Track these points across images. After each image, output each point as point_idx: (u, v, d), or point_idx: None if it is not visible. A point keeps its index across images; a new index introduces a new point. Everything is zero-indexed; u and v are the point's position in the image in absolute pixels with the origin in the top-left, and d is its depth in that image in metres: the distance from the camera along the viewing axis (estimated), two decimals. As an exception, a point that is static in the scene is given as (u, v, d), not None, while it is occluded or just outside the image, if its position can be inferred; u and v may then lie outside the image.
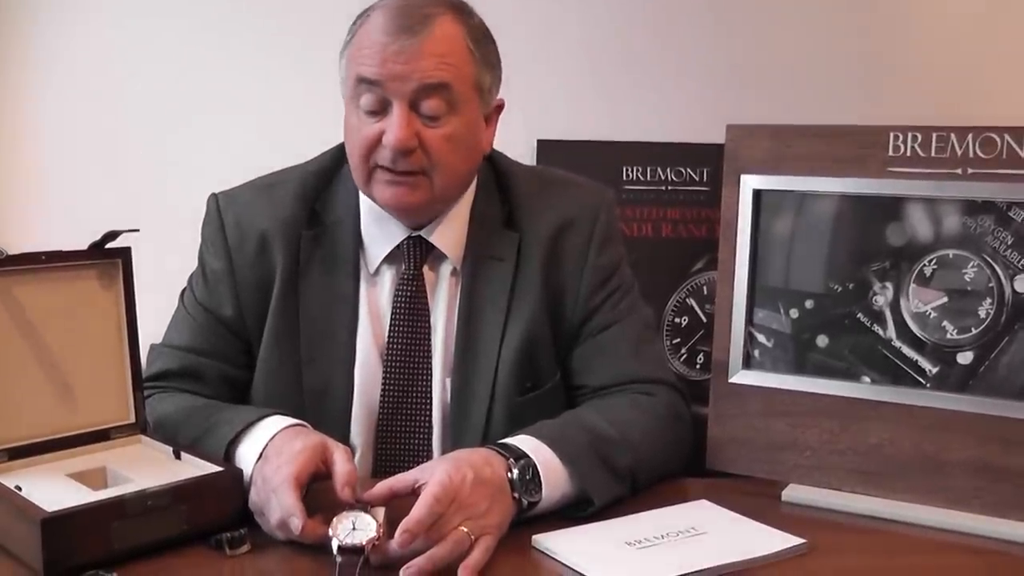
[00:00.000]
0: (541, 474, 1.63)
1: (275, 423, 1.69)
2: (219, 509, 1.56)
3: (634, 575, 1.47)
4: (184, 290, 2.01)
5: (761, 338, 1.86)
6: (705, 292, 3.06)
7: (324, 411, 1.88)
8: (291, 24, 3.08)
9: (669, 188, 3.09)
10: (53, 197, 3.15)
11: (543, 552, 1.56)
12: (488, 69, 1.88)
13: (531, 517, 1.63)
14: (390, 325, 1.92)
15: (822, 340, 1.82)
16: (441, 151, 1.81)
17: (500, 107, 1.95)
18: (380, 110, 1.81)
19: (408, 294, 1.92)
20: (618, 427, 1.78)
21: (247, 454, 1.66)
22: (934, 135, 1.72)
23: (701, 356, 3.06)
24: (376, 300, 1.94)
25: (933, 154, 1.72)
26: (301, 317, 1.91)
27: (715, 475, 1.89)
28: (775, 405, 1.84)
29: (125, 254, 1.70)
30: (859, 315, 1.79)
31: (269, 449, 1.63)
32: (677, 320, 3.09)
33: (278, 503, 1.52)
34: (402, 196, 1.83)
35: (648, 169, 3.09)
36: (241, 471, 1.62)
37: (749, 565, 1.53)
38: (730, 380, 1.88)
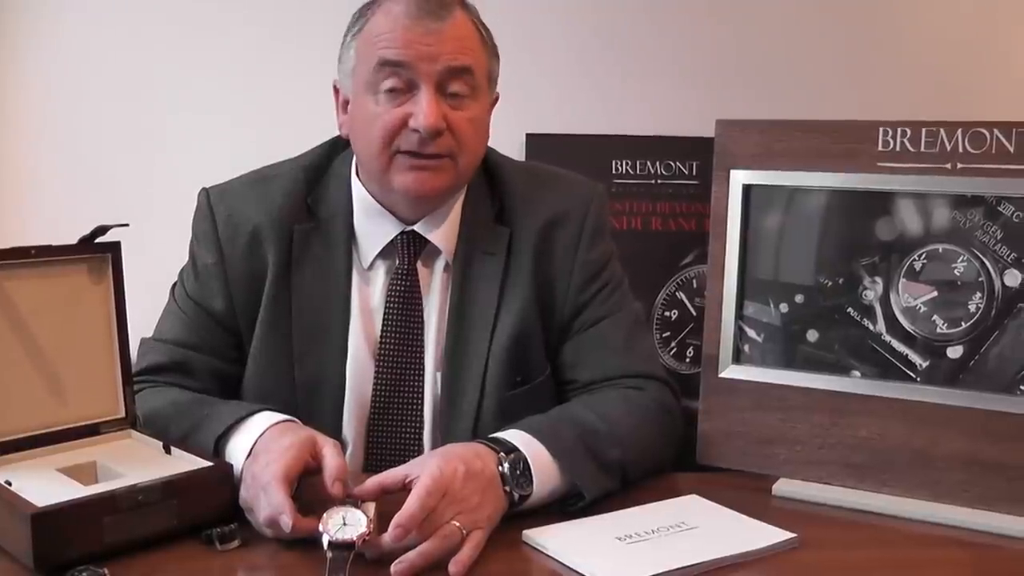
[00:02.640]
0: (532, 468, 1.64)
1: (264, 419, 1.69)
2: (210, 504, 1.56)
3: (624, 570, 1.47)
4: (175, 284, 2.00)
5: (751, 333, 1.87)
6: (695, 286, 3.07)
7: (316, 405, 1.88)
8: (280, 20, 3.08)
9: (658, 182, 3.10)
10: (43, 192, 3.14)
11: (534, 547, 1.56)
12: (495, 59, 1.92)
13: (522, 511, 1.63)
14: (383, 320, 1.92)
15: (812, 334, 1.83)
16: (467, 134, 1.83)
17: (495, 101, 1.96)
18: (405, 91, 1.81)
19: (402, 289, 1.91)
20: (608, 421, 1.78)
21: (236, 451, 1.65)
22: (923, 130, 1.73)
23: (691, 350, 3.07)
24: (369, 295, 1.93)
25: (923, 149, 1.72)
26: (293, 312, 1.91)
27: (705, 470, 1.89)
28: (765, 400, 1.84)
29: (115, 248, 1.70)
30: (849, 309, 1.80)
31: (258, 446, 1.63)
32: (667, 314, 3.10)
33: (267, 501, 1.52)
34: (425, 181, 1.83)
35: (637, 163, 3.09)
36: (231, 465, 1.62)
37: (740, 560, 1.53)
38: (720, 375, 1.88)
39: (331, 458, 1.56)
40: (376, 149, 1.84)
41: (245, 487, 1.59)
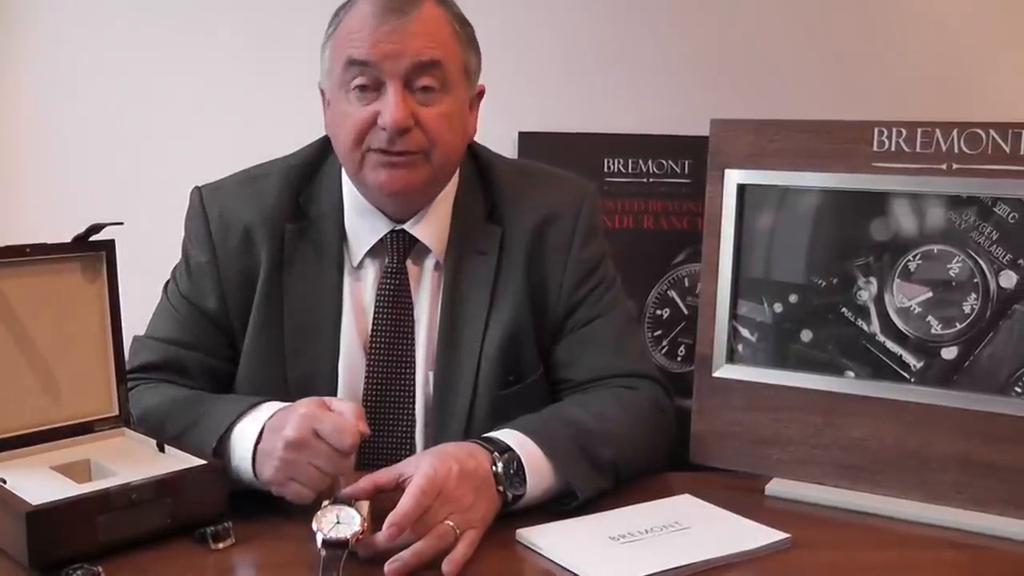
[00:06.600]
0: (525, 467, 1.64)
1: (271, 406, 1.68)
2: (203, 502, 1.56)
3: (618, 570, 1.47)
4: (167, 282, 2.00)
5: (745, 332, 1.87)
6: (687, 284, 3.07)
7: (309, 403, 1.88)
8: (273, 20, 3.07)
9: (651, 180, 3.09)
10: (37, 190, 3.13)
11: (527, 546, 1.56)
12: (472, 51, 1.90)
13: (515, 511, 1.63)
14: (373, 318, 1.92)
15: (806, 334, 1.83)
16: (439, 129, 1.82)
17: (481, 93, 1.96)
18: (373, 90, 1.81)
19: (391, 287, 1.91)
20: (601, 421, 1.78)
21: (244, 436, 1.65)
22: (919, 130, 1.72)
23: (682, 348, 3.07)
24: (360, 293, 1.93)
25: (918, 149, 1.72)
26: (285, 310, 1.91)
27: (699, 469, 1.89)
28: (759, 399, 1.84)
29: (109, 247, 1.70)
30: (843, 309, 1.80)
31: (270, 424, 1.63)
32: (659, 312, 3.09)
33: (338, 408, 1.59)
34: (398, 178, 1.83)
35: (630, 161, 3.09)
36: (225, 464, 1.63)
37: (733, 560, 1.53)
38: (714, 374, 1.88)
39: (340, 403, 1.61)
40: (348, 147, 1.84)
41: (293, 428, 1.58)
